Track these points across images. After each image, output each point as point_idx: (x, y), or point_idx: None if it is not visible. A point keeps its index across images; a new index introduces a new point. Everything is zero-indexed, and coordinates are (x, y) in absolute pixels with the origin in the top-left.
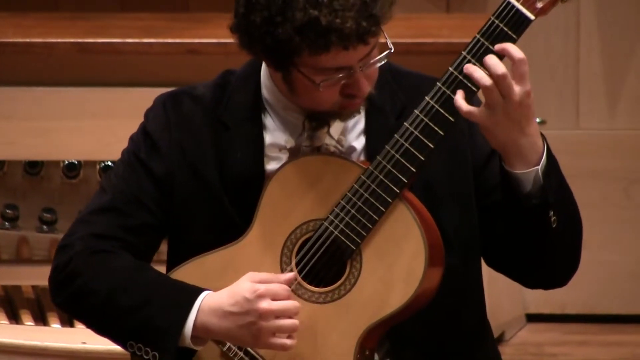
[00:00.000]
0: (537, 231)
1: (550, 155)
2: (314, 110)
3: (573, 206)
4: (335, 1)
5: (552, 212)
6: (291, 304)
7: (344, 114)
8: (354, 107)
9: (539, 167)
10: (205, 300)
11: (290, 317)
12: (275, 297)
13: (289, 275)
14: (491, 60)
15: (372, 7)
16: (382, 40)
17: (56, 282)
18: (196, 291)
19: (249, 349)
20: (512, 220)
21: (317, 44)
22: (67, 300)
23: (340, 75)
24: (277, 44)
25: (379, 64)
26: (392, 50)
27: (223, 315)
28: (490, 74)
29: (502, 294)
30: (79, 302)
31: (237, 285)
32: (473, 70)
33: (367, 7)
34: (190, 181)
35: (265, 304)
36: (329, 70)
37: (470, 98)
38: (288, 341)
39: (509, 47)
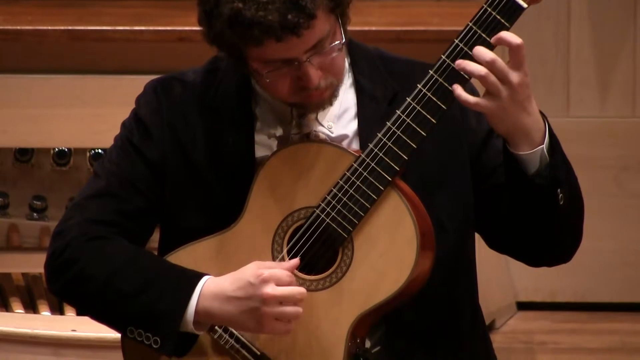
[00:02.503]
0: (544, 210)
1: (551, 133)
2: (280, 100)
3: (575, 182)
4: None
5: (559, 190)
6: (295, 289)
7: (310, 106)
8: (311, 99)
9: (544, 145)
10: (207, 285)
11: (294, 304)
12: (279, 283)
13: (292, 261)
14: (477, 50)
15: None
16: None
17: (53, 268)
18: (197, 276)
19: (240, 337)
20: (518, 201)
21: (245, 37)
22: (64, 286)
23: (285, 67)
24: (216, 37)
25: (331, 55)
26: (344, 41)
27: (226, 300)
28: (480, 62)
29: (492, 282)
30: (77, 288)
31: (242, 270)
32: (465, 64)
33: (295, 0)
34: (181, 166)
35: (269, 289)
36: (274, 62)
37: (463, 86)
38: (291, 326)
39: (505, 35)
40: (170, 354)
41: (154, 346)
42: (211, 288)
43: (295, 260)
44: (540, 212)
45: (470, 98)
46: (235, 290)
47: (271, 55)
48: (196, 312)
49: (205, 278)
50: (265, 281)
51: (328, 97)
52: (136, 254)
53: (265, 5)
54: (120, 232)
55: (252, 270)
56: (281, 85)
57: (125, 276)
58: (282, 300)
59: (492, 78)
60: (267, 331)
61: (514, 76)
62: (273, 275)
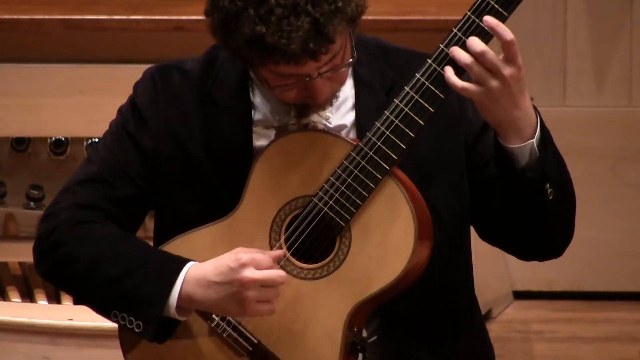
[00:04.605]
0: (533, 204)
1: (543, 128)
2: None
3: (567, 177)
4: (284, 20)
5: (548, 185)
6: (274, 272)
7: (313, 106)
8: (315, 104)
9: (534, 140)
10: (191, 271)
11: (274, 287)
12: (258, 266)
13: (278, 252)
14: (470, 40)
15: (324, 27)
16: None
17: (40, 250)
18: (181, 262)
19: (237, 325)
20: (508, 194)
21: (264, 59)
22: (50, 268)
23: (295, 82)
24: (229, 48)
25: (341, 70)
26: (355, 59)
27: (208, 285)
28: (470, 53)
29: (489, 271)
30: (62, 271)
31: (223, 256)
32: (455, 52)
33: (318, 27)
34: (177, 155)
35: (249, 273)
36: (285, 76)
37: (460, 74)
38: (272, 306)
39: (498, 27)
40: (151, 339)
41: (137, 330)
42: (194, 274)
43: (281, 251)
44: (529, 206)
45: (458, 82)
46: (216, 275)
47: (284, 71)
48: (180, 297)
49: (189, 264)
50: (244, 265)
51: (330, 100)
52: (122, 239)
53: (289, 33)
54: (109, 218)
55: (232, 255)
56: (288, 94)
57: (110, 260)
58: (263, 284)
59: (477, 68)
60: (250, 314)
61: (506, 69)
62: (252, 259)
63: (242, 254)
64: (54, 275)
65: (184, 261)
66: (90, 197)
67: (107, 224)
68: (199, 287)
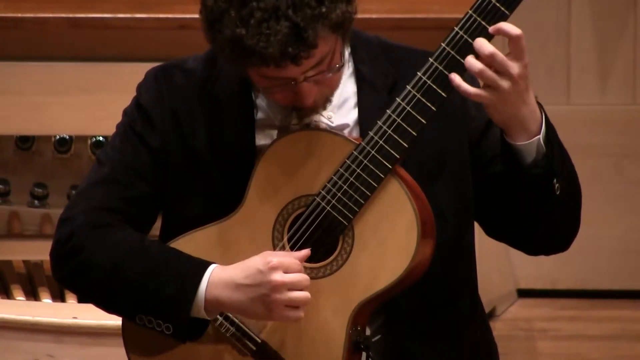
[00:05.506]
0: (541, 199)
1: (548, 123)
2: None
3: (572, 171)
4: (263, 23)
5: (555, 180)
6: (302, 276)
7: (302, 113)
8: (305, 107)
9: (540, 136)
10: (215, 273)
11: (301, 290)
12: (287, 270)
13: (303, 252)
14: (477, 43)
15: (305, 32)
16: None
17: (58, 256)
18: (204, 264)
19: (241, 325)
20: (515, 190)
21: (245, 61)
22: (69, 274)
23: (281, 84)
24: (215, 48)
25: (328, 75)
26: (343, 64)
27: (235, 288)
28: (479, 56)
29: (493, 270)
30: (82, 277)
31: (251, 259)
32: (468, 61)
33: (298, 32)
34: (182, 153)
35: (278, 276)
36: (272, 79)
37: (462, 74)
38: (300, 312)
39: (504, 25)
40: (184, 339)
41: (167, 332)
42: (220, 276)
43: (306, 251)
44: (536, 201)
45: (470, 89)
46: (244, 278)
47: (268, 74)
48: (206, 300)
49: (212, 266)
50: (273, 268)
51: (322, 104)
52: (142, 242)
53: (268, 36)
54: (125, 219)
55: (261, 259)
56: (275, 96)
57: (132, 264)
58: (290, 287)
59: (489, 73)
60: (276, 318)
61: (514, 68)
62: (281, 263)
63: (271, 257)
64: (73, 281)
65: (206, 263)
66: (105, 199)
67: (125, 227)
68: (226, 289)
